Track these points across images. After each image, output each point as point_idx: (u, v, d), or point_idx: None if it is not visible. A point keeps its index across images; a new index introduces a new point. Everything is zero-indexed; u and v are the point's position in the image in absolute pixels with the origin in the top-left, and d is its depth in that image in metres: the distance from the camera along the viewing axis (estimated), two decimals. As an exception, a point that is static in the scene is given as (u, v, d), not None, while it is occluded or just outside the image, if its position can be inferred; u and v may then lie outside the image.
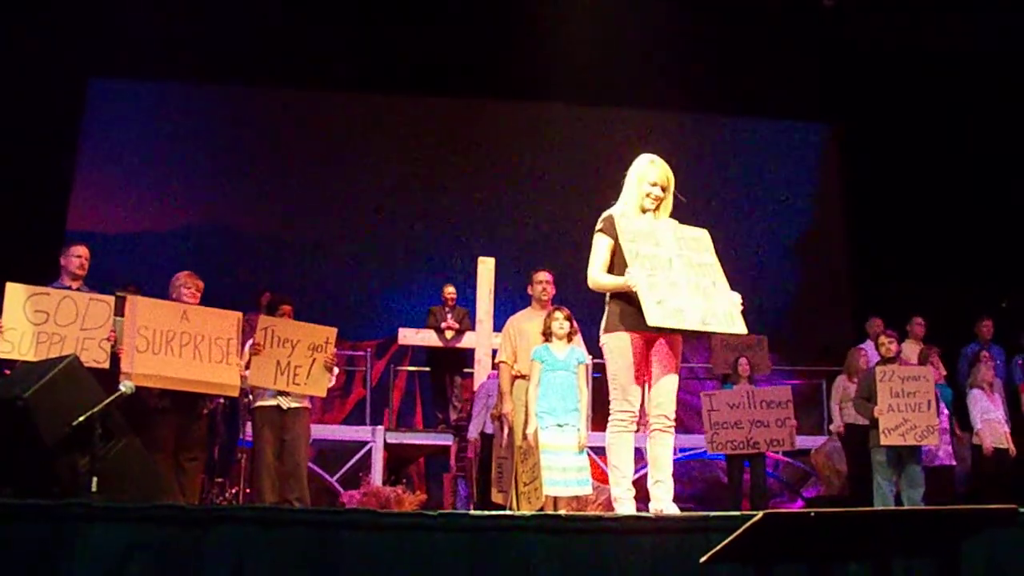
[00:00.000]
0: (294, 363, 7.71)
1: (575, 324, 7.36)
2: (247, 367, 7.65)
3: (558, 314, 7.22)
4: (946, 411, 9.86)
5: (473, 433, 10.03)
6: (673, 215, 5.83)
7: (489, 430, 9.83)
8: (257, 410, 8.01)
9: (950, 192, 13.23)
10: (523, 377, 7.60)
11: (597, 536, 4.74)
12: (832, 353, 13.89)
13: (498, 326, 10.89)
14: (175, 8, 12.51)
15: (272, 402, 7.95)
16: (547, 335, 7.23)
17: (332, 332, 7.95)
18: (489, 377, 10.34)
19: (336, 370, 8.17)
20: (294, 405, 7.99)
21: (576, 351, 7.27)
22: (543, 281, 7.99)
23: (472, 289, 11.20)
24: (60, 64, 12.93)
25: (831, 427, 10.80)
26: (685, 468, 12.76)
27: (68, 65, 13.24)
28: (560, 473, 6.90)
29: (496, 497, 9.03)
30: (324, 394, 8.19)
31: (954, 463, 9.80)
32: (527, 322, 7.85)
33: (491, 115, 15.62)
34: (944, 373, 10.40)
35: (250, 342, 7.74)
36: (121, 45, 13.21)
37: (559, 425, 6.96)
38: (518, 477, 7.34)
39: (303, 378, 7.73)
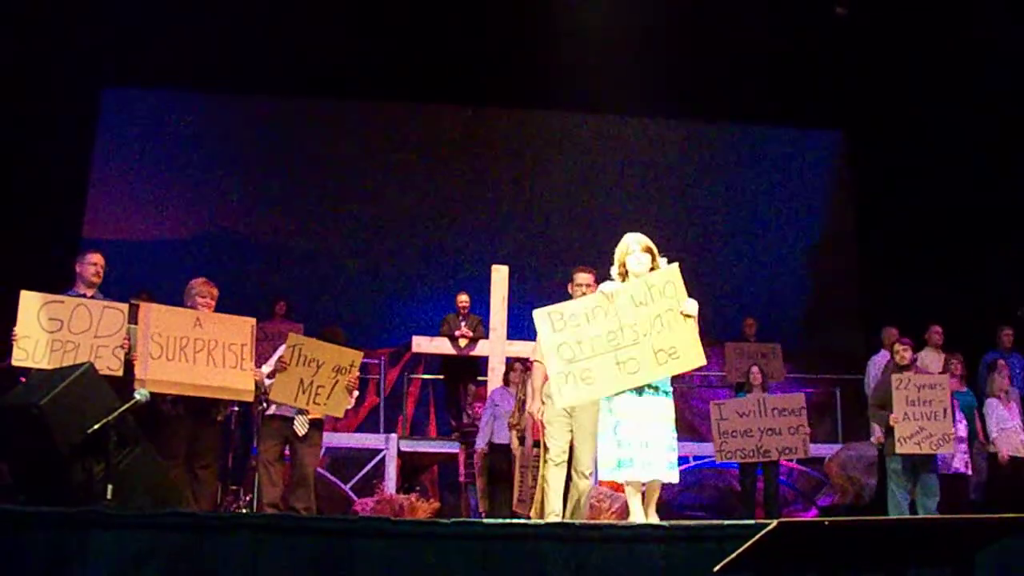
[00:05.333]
0: (317, 383, 7.67)
1: None
2: (270, 376, 7.64)
3: None
4: (964, 419, 9.81)
5: (480, 444, 9.99)
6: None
7: (498, 440, 9.80)
8: (271, 417, 7.98)
9: (962, 199, 13.18)
10: None
11: (610, 544, 4.74)
12: (845, 361, 13.88)
13: (512, 334, 10.90)
14: (187, 18, 12.55)
15: (289, 415, 7.90)
16: None
17: (358, 356, 7.92)
18: (496, 390, 10.33)
19: (356, 393, 8.14)
20: (309, 428, 7.96)
21: None
22: (583, 284, 7.50)
23: (486, 297, 11.20)
24: (74, 74, 12.99)
25: (872, 438, 10.54)
26: (698, 476, 12.74)
27: (82, 75, 13.30)
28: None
29: (517, 507, 8.98)
30: (342, 415, 8.18)
31: (969, 472, 9.72)
32: None
33: (506, 123, 15.65)
34: (965, 374, 10.33)
35: (276, 355, 7.74)
36: (134, 55, 13.28)
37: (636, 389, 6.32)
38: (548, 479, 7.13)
39: (323, 398, 7.70)
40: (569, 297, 7.52)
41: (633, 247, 6.43)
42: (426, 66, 13.96)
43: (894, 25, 12.87)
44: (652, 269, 6.34)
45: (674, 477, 6.22)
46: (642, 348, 6.07)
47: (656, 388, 6.21)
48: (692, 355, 6.05)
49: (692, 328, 6.07)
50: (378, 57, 13.71)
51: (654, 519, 6.11)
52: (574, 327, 6.24)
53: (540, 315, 6.36)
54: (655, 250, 6.44)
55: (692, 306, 6.12)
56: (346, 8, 13.10)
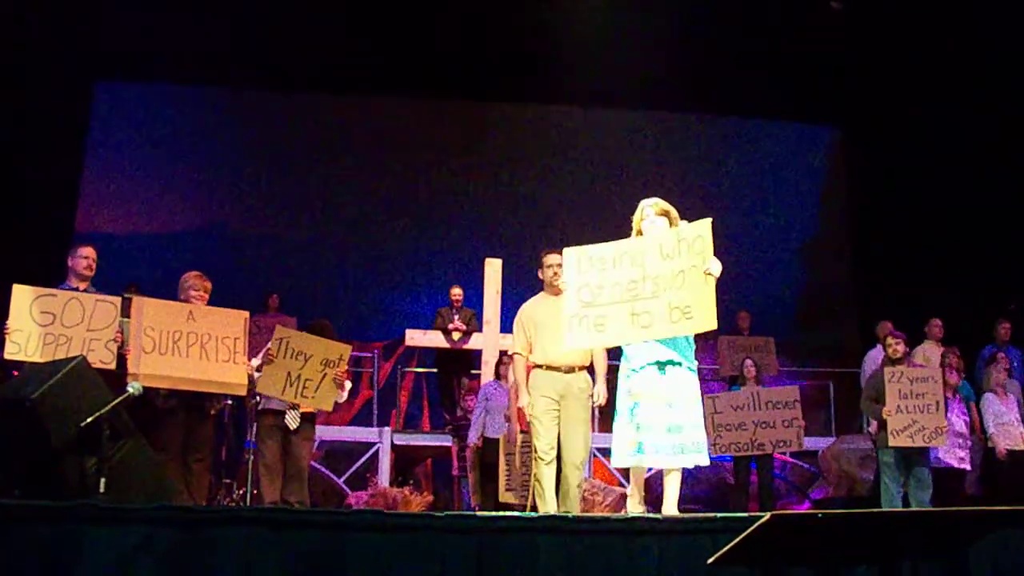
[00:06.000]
0: (304, 376, 7.65)
1: None
2: (258, 370, 7.63)
3: None
4: (966, 414, 9.81)
5: (473, 438, 9.98)
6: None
7: (490, 434, 9.80)
8: (265, 411, 7.98)
9: (956, 195, 13.20)
10: (539, 367, 7.10)
11: (604, 537, 4.73)
12: (839, 355, 13.90)
13: (505, 327, 10.89)
14: (181, 12, 12.53)
15: (280, 409, 7.90)
16: None
17: (347, 350, 7.89)
18: (488, 384, 10.33)
19: (348, 384, 8.13)
20: (301, 421, 7.97)
21: None
22: (554, 265, 7.17)
23: (479, 290, 11.20)
24: (67, 68, 12.96)
25: (869, 429, 10.58)
26: (692, 470, 12.71)
27: (75, 69, 13.28)
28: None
29: (504, 496, 8.98)
30: (330, 408, 8.14)
31: (967, 467, 9.71)
32: (540, 309, 7.27)
33: (500, 117, 15.64)
34: (963, 374, 10.36)
35: (266, 349, 7.74)
36: (127, 49, 13.27)
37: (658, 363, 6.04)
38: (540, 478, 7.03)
39: (311, 391, 7.67)
40: (540, 284, 7.44)
41: (647, 211, 6.23)
42: (421, 61, 13.94)
43: (892, 22, 12.87)
44: None
45: (703, 459, 6.01)
46: (659, 303, 5.89)
47: (679, 363, 5.98)
48: (706, 317, 5.81)
49: (711, 289, 5.82)
50: (374, 52, 13.70)
51: (673, 511, 5.91)
52: (599, 271, 6.11)
53: (570, 253, 6.27)
54: (673, 213, 6.24)
55: (716, 266, 5.84)
56: (343, 3, 13.08)
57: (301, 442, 7.96)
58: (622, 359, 6.27)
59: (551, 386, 7.00)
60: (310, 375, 7.67)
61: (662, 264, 5.92)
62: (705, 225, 5.90)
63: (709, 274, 5.79)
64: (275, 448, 7.90)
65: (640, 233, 6.18)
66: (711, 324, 5.84)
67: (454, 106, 15.47)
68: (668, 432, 5.83)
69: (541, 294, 7.42)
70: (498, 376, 10.19)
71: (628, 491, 6.15)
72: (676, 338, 6.05)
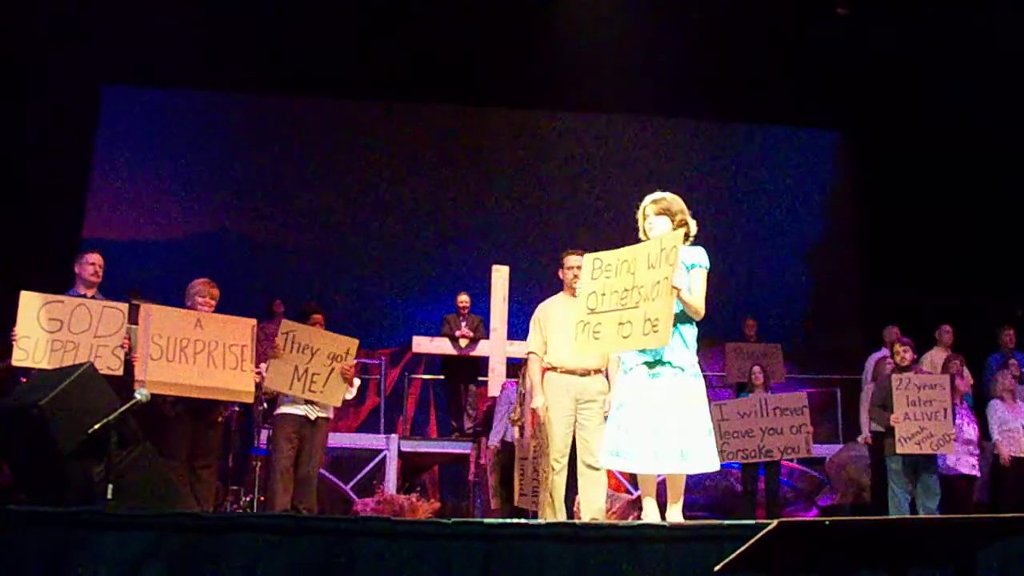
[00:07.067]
0: (312, 370, 7.69)
1: None
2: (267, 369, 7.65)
3: None
4: (975, 421, 9.76)
5: (493, 440, 9.97)
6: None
7: (510, 438, 9.78)
8: (280, 416, 7.98)
9: (963, 199, 13.18)
10: (553, 369, 6.90)
11: (611, 544, 4.73)
12: (846, 361, 13.87)
13: (512, 334, 10.89)
14: (189, 17, 12.55)
15: (299, 411, 7.92)
16: None
17: (353, 344, 7.92)
18: (510, 384, 10.30)
19: (358, 381, 8.15)
20: (321, 415, 8.00)
21: None
22: (575, 267, 6.97)
23: (486, 297, 11.19)
24: (74, 72, 12.99)
25: (859, 438, 10.55)
26: (699, 477, 12.63)
27: (83, 73, 13.31)
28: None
29: (519, 501, 8.95)
30: (339, 404, 8.13)
31: (977, 473, 9.65)
32: (558, 309, 7.07)
33: (506, 123, 15.66)
34: (971, 382, 10.33)
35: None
36: (135, 53, 13.29)
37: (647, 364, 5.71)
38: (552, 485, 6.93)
39: (319, 386, 7.71)
40: (560, 284, 7.27)
41: (648, 211, 5.81)
42: (427, 66, 13.95)
43: (896, 26, 12.86)
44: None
45: (698, 465, 5.50)
46: (639, 313, 5.60)
47: (668, 362, 5.57)
48: (665, 332, 5.46)
49: (672, 303, 5.49)
50: (379, 56, 13.71)
51: (677, 517, 5.63)
52: (605, 278, 5.90)
53: (588, 259, 6.05)
54: (675, 208, 5.80)
55: (680, 280, 5.48)
56: (347, 7, 13.10)
57: (315, 447, 7.98)
58: (620, 362, 6.02)
59: (566, 391, 6.85)
60: (317, 369, 7.71)
61: (647, 273, 5.66)
62: (677, 235, 5.63)
63: (675, 288, 5.47)
64: (290, 454, 7.91)
65: (645, 234, 5.86)
66: (665, 341, 5.50)
67: (460, 112, 15.49)
68: (653, 436, 5.45)
69: (560, 294, 7.26)
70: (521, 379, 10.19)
71: (643, 507, 5.92)
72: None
